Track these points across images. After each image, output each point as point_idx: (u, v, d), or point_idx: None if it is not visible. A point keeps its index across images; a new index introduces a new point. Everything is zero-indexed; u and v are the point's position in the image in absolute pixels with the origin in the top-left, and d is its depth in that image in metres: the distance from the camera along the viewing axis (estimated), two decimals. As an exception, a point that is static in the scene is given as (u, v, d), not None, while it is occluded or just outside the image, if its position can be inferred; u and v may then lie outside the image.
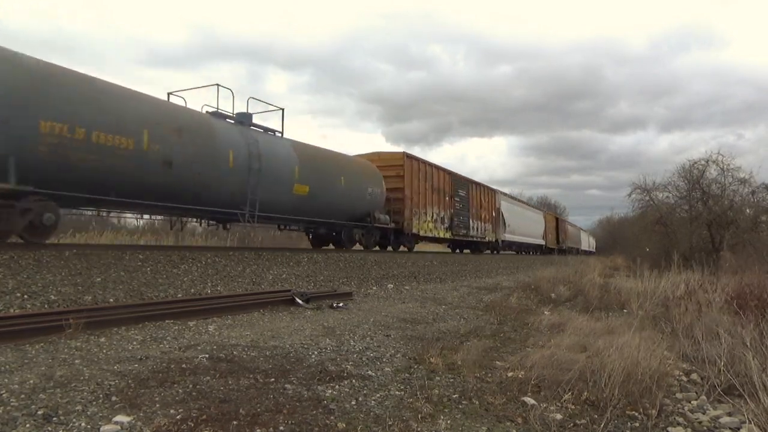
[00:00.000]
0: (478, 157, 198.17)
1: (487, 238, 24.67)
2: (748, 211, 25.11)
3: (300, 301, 7.27)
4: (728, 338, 4.91)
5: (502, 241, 27.03)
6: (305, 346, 4.70)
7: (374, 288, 10.15)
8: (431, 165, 18.84)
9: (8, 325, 4.30)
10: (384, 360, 4.39)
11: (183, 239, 20.71)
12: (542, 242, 38.00)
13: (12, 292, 5.38)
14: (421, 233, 17.53)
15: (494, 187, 27.73)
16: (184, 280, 7.35)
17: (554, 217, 46.41)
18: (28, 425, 2.55)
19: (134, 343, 4.49)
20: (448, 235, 19.74)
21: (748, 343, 4.27)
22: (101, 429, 2.56)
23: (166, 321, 5.43)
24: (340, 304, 7.43)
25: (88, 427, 2.58)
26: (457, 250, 24.33)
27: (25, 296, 5.40)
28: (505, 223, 27.36)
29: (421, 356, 4.49)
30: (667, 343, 5.47)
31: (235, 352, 4.28)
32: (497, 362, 4.55)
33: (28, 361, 3.69)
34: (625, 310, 8.78)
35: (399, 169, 16.66)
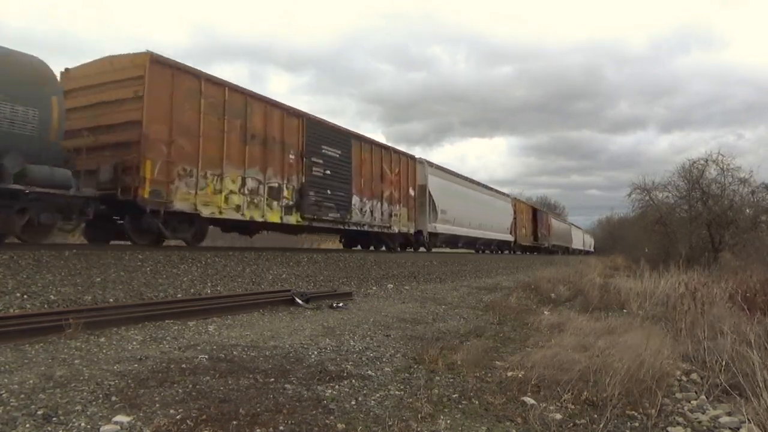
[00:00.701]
0: (479, 157, 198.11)
1: (395, 228, 16.57)
2: (747, 210, 25.12)
3: (300, 301, 7.27)
4: (732, 336, 4.90)
5: (431, 233, 19.20)
6: (305, 346, 4.70)
7: (374, 288, 10.14)
8: (244, 92, 10.69)
9: (8, 325, 4.29)
10: (384, 360, 4.39)
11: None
12: (510, 238, 30.25)
13: (12, 292, 5.38)
14: (206, 213, 9.58)
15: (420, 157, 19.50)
16: (183, 280, 7.35)
17: (530, 207, 37.78)
18: (27, 425, 2.55)
19: (134, 343, 4.49)
20: (293, 220, 11.88)
21: (753, 341, 4.26)
22: (101, 429, 2.56)
23: (166, 321, 5.43)
24: (340, 304, 7.43)
25: (88, 427, 2.58)
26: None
27: (25, 296, 5.40)
28: (435, 209, 19.23)
29: (421, 356, 4.49)
30: (667, 343, 5.47)
31: (234, 352, 4.28)
32: (497, 362, 4.55)
33: (28, 361, 3.69)
34: (624, 310, 8.79)
35: (137, 86, 8.63)
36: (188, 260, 8.15)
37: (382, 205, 15.75)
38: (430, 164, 20.06)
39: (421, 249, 19.49)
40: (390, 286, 10.68)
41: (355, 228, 14.68)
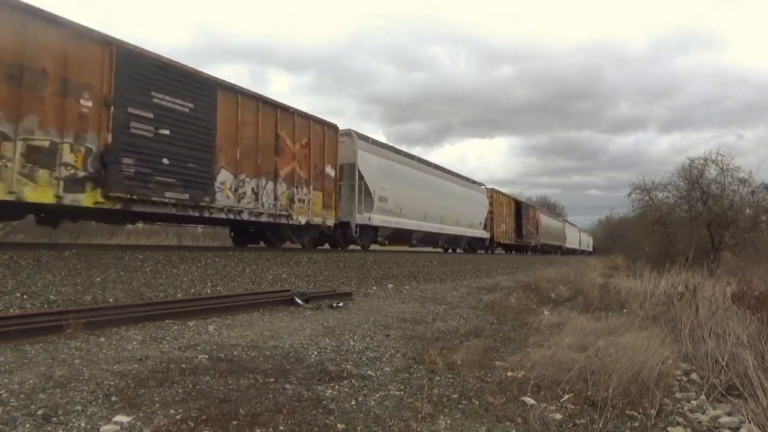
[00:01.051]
0: (479, 157, 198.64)
1: (300, 218, 12.27)
2: (747, 210, 25.14)
3: (300, 301, 7.27)
4: (732, 337, 4.91)
5: (364, 226, 14.89)
6: (305, 346, 4.70)
7: (374, 288, 10.15)
8: None
9: (8, 325, 4.30)
10: (384, 360, 4.39)
11: (183, 239, 20.62)
12: (484, 234, 25.87)
13: (12, 292, 5.38)
14: None
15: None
16: (183, 280, 7.35)
17: (512, 200, 32.37)
18: (27, 425, 2.55)
19: (134, 343, 4.49)
20: (87, 200, 7.78)
21: (746, 342, 4.27)
22: (101, 429, 2.56)
23: (166, 321, 5.43)
24: (340, 304, 7.43)
25: (88, 427, 2.58)
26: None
27: (25, 296, 5.40)
28: (371, 195, 15.14)
29: (421, 356, 4.49)
30: (667, 343, 5.48)
31: (234, 352, 4.28)
32: (497, 362, 4.56)
33: (28, 361, 3.69)
34: (624, 310, 8.79)
35: None
36: (188, 260, 8.16)
37: (276, 186, 11.46)
38: (363, 138, 15.69)
39: (347, 246, 15.39)
40: (390, 286, 10.68)
41: (223, 216, 10.24)
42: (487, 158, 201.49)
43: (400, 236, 18.03)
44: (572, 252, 53.12)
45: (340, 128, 14.24)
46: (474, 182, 26.04)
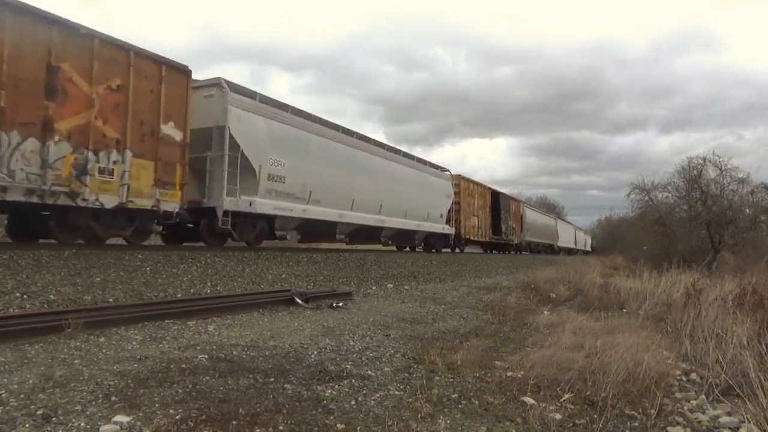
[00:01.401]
0: (479, 157, 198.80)
1: (102, 198, 7.95)
2: (747, 210, 25.19)
3: (299, 301, 7.27)
4: (732, 339, 4.91)
5: (243, 213, 10.80)
6: (305, 345, 4.70)
7: (374, 288, 10.15)
8: None
9: (8, 325, 4.29)
10: (383, 360, 4.39)
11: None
12: (446, 230, 21.23)
13: (11, 292, 5.38)
14: None
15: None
16: (183, 279, 7.35)
17: (487, 190, 26.77)
18: (27, 425, 2.55)
19: (134, 343, 4.49)
20: None
21: (746, 342, 4.28)
22: (101, 429, 2.56)
23: (166, 321, 5.43)
24: (340, 304, 7.43)
25: (88, 427, 2.58)
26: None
27: (25, 296, 5.40)
28: (254, 172, 11.02)
29: (421, 356, 4.49)
30: (667, 343, 5.48)
31: (234, 352, 4.28)
32: (497, 362, 4.56)
33: (28, 361, 3.69)
34: (624, 310, 8.79)
35: None
36: (188, 260, 8.16)
37: (46, 146, 7.27)
38: (246, 93, 11.46)
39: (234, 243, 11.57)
40: (390, 285, 10.68)
41: None
42: (488, 158, 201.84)
43: (316, 229, 13.76)
44: (572, 252, 52.47)
45: (203, 75, 10.53)
46: (435, 166, 21.38)
